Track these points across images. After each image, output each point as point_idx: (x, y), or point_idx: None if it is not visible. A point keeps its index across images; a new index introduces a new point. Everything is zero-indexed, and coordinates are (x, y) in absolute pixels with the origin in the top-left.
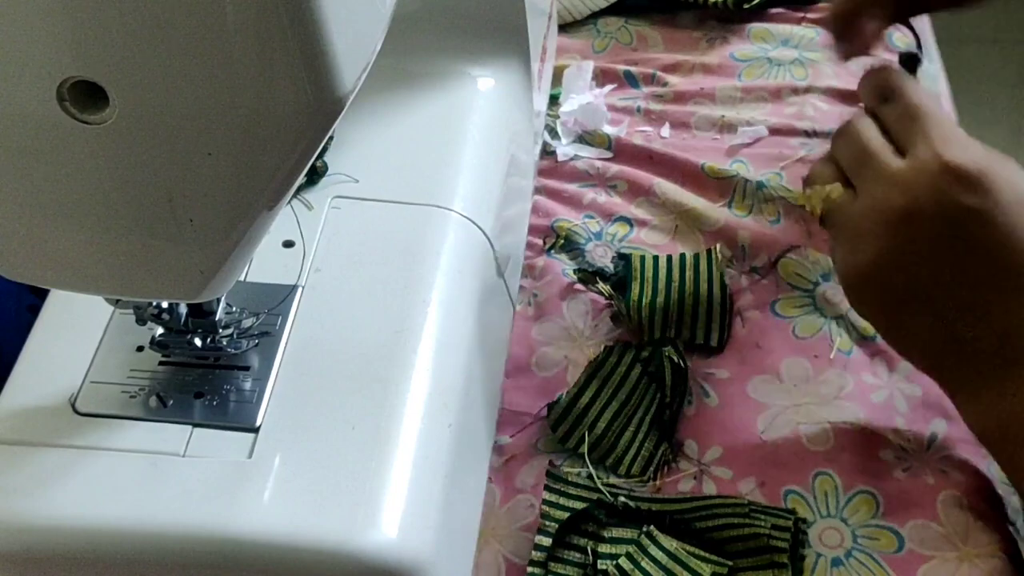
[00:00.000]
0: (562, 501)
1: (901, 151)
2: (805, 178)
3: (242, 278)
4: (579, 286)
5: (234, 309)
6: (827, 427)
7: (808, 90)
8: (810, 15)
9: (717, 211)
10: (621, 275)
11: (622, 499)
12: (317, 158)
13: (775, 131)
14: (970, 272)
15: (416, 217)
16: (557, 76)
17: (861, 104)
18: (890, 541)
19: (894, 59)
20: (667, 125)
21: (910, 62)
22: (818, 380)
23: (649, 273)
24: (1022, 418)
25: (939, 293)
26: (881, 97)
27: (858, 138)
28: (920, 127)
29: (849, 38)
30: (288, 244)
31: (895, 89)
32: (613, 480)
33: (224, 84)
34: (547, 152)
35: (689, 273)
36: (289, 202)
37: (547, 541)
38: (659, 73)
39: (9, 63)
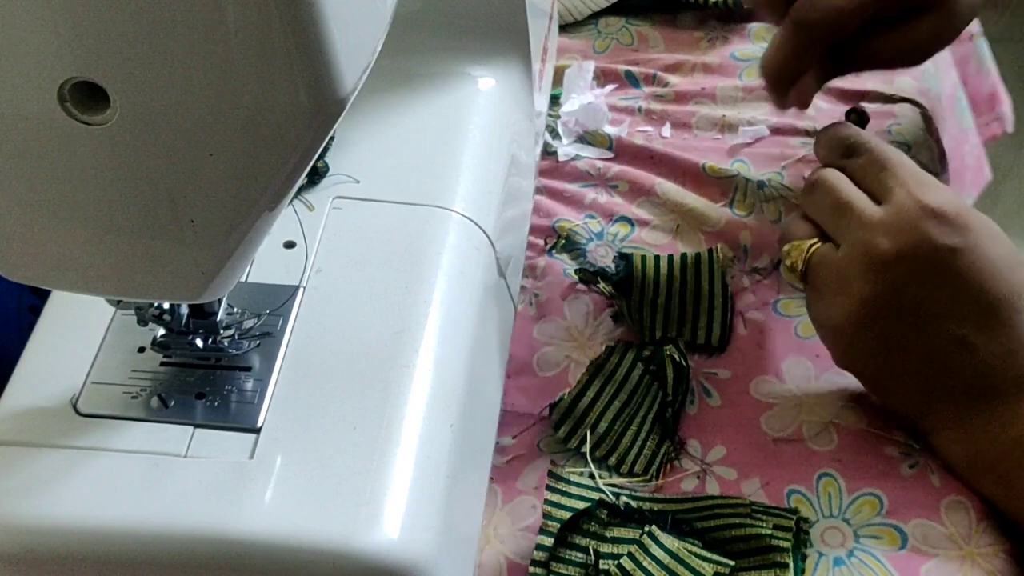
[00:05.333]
0: (564, 501)
1: (876, 199)
2: (780, 237)
3: (243, 279)
4: (580, 286)
5: (235, 310)
6: (830, 427)
7: None
8: None
9: (718, 211)
10: (622, 275)
11: (624, 499)
12: (318, 159)
13: (776, 131)
14: (956, 308)
15: (417, 217)
16: (558, 76)
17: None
18: (893, 539)
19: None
20: (668, 125)
21: (859, 119)
22: (820, 380)
23: (650, 273)
24: (1001, 448)
25: (927, 330)
26: (845, 152)
27: (832, 190)
28: (892, 174)
29: (784, 92)
30: (289, 245)
31: (859, 143)
32: (615, 480)
33: (225, 85)
34: (548, 152)
35: (690, 273)
36: (290, 203)
37: (549, 541)
38: (660, 73)
39: (10, 64)
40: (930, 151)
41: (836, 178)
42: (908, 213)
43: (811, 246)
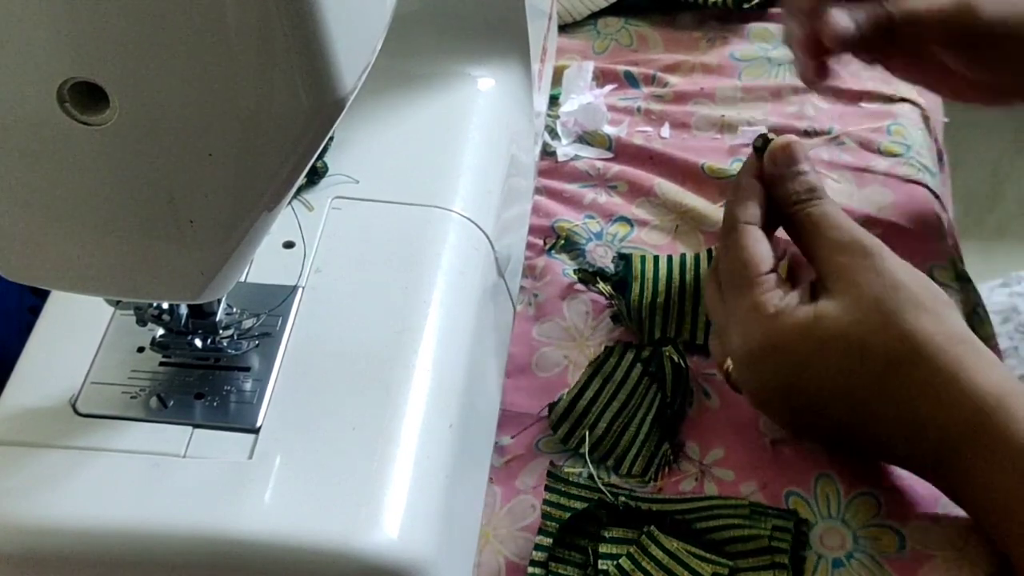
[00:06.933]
0: (563, 501)
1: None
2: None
3: (242, 279)
4: (579, 286)
5: (235, 310)
6: None
7: (808, 89)
8: None
9: (718, 211)
10: (621, 275)
11: (623, 499)
12: (317, 159)
13: (775, 131)
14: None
15: (416, 218)
16: (557, 76)
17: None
18: (891, 540)
19: None
20: (667, 125)
21: (764, 146)
22: None
23: (649, 273)
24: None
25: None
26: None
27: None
28: (730, 298)
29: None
30: (288, 245)
31: (729, 238)
32: (614, 480)
33: (224, 85)
34: (547, 152)
35: (690, 273)
36: (290, 203)
37: (548, 541)
38: (659, 73)
39: (10, 64)
40: (930, 151)
41: (708, 295)
42: (745, 356)
43: (726, 367)
